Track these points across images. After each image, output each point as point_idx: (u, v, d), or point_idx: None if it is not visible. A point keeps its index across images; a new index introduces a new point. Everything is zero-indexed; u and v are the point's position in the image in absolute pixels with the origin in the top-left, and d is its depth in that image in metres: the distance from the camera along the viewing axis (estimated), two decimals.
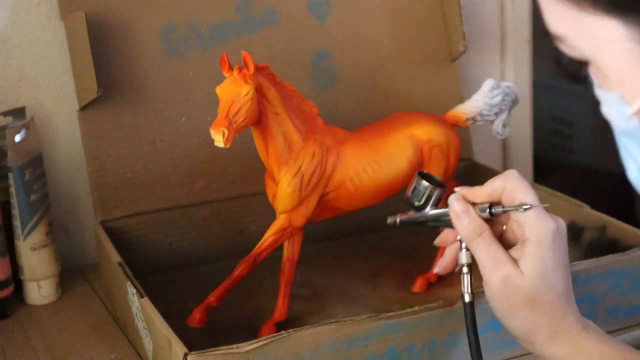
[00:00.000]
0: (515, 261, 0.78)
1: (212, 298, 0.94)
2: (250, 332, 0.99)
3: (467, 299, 0.82)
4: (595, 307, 0.98)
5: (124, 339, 1.02)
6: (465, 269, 0.83)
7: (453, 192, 0.83)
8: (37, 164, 1.11)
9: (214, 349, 0.81)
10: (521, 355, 0.96)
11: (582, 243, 1.12)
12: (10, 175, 1.08)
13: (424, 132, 1.04)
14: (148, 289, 0.95)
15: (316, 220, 1.02)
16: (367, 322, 0.86)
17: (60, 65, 1.20)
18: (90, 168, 1.14)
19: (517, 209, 0.79)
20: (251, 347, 0.81)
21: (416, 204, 0.87)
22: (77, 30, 1.11)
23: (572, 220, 1.13)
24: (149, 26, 1.17)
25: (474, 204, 0.82)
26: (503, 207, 0.80)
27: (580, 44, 0.59)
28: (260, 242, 0.97)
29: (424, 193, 0.86)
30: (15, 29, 1.17)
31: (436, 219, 0.86)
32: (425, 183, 0.86)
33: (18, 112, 1.15)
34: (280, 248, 1.01)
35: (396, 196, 1.07)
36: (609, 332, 0.98)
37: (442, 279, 1.12)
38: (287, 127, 0.96)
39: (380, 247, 1.24)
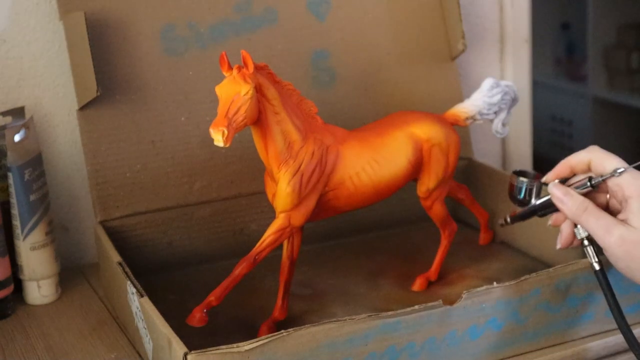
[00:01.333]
0: (624, 222, 0.86)
1: (212, 297, 0.94)
2: (250, 332, 0.99)
3: (596, 267, 0.90)
4: (595, 306, 0.98)
5: (124, 339, 1.02)
6: (585, 242, 0.91)
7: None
8: (36, 163, 1.11)
9: (213, 348, 0.81)
10: (521, 355, 0.96)
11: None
12: (10, 175, 1.08)
13: (424, 131, 1.04)
14: (148, 289, 0.95)
15: (316, 220, 1.02)
16: (366, 321, 0.86)
17: (59, 65, 1.20)
18: (89, 168, 1.14)
19: (613, 174, 0.87)
20: (251, 346, 0.81)
21: (520, 199, 0.94)
22: (77, 30, 1.11)
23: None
24: (149, 26, 1.17)
25: (568, 183, 0.90)
26: (601, 176, 0.88)
27: None
28: (259, 242, 0.97)
29: (524, 188, 0.94)
30: (14, 28, 1.17)
31: (542, 208, 0.94)
32: (523, 179, 0.94)
33: (17, 112, 1.15)
34: (280, 247, 1.01)
35: (396, 195, 1.07)
36: (609, 331, 0.99)
37: (442, 277, 1.12)
38: (286, 126, 0.96)
39: (379, 247, 1.24)
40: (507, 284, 0.92)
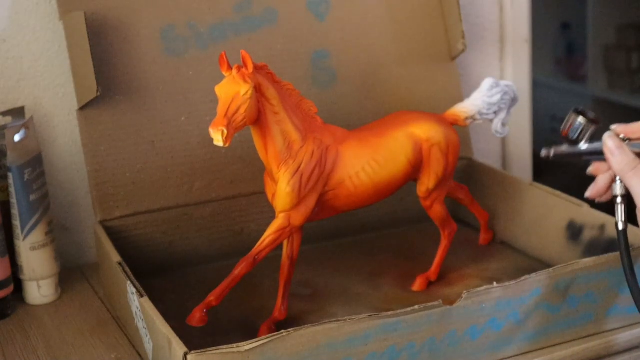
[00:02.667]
0: None
1: (211, 297, 0.94)
2: (250, 332, 0.99)
3: (620, 227, 0.89)
4: (595, 305, 0.98)
5: (124, 339, 1.02)
6: (619, 199, 0.90)
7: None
8: (36, 163, 1.11)
9: (213, 348, 0.81)
10: (521, 355, 0.96)
11: (581, 242, 1.12)
12: (10, 175, 1.08)
13: (423, 131, 1.04)
14: (148, 289, 0.95)
15: (316, 220, 1.02)
16: (366, 321, 0.86)
17: (59, 65, 1.20)
18: (89, 168, 1.14)
19: None
20: (251, 346, 0.81)
21: (573, 138, 0.92)
22: (77, 29, 1.11)
23: (571, 220, 1.13)
24: (149, 26, 1.17)
25: (628, 141, 0.89)
26: None
27: None
28: (259, 242, 0.97)
29: (579, 128, 0.92)
30: (14, 28, 1.17)
31: (590, 153, 0.92)
32: (581, 119, 0.92)
33: (17, 112, 1.15)
34: (280, 247, 1.01)
35: (396, 195, 1.07)
36: (609, 331, 0.99)
37: (442, 277, 1.12)
38: (286, 126, 0.96)
39: (380, 247, 1.24)
40: (507, 284, 0.92)
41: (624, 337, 0.99)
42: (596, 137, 0.93)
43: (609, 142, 0.89)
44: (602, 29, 3.02)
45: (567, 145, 0.94)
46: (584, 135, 0.93)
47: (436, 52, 1.32)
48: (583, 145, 0.93)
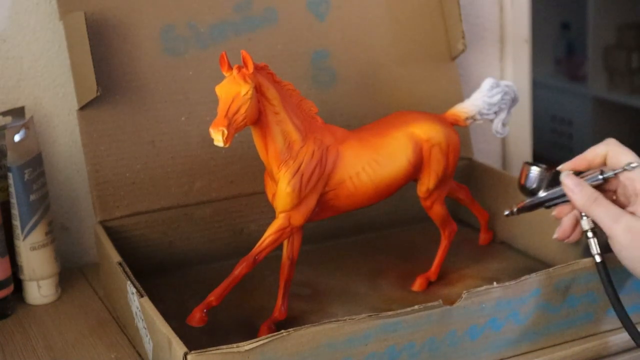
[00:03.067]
0: (632, 214, 0.88)
1: (211, 297, 0.94)
2: (250, 332, 0.99)
3: (597, 259, 0.91)
4: (595, 306, 0.98)
5: (124, 339, 1.02)
6: (589, 234, 0.92)
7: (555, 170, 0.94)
8: (36, 163, 1.11)
9: (213, 348, 0.81)
10: (521, 355, 0.96)
11: (581, 242, 1.12)
12: (10, 175, 1.08)
13: (424, 131, 1.04)
14: (148, 289, 0.95)
15: (316, 220, 1.02)
16: (366, 321, 0.86)
17: (59, 65, 1.20)
18: (89, 168, 1.14)
19: (626, 168, 0.89)
20: (251, 346, 0.81)
21: (531, 188, 0.96)
22: (77, 29, 1.11)
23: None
24: (149, 26, 1.17)
25: (582, 176, 0.92)
26: (613, 170, 0.90)
27: None
28: (259, 242, 0.97)
29: (537, 178, 0.96)
30: (14, 28, 1.17)
31: (552, 199, 0.95)
32: (535, 168, 0.96)
33: (17, 112, 1.15)
34: (280, 247, 1.01)
35: (396, 195, 1.07)
36: (609, 331, 0.99)
37: (442, 277, 1.12)
38: (286, 126, 0.96)
39: (379, 247, 1.24)
40: (507, 284, 0.92)
41: (624, 337, 0.99)
42: (552, 184, 0.96)
43: (567, 181, 0.92)
44: (602, 29, 3.02)
45: (528, 198, 0.97)
46: (541, 183, 0.96)
47: (436, 52, 1.32)
48: (542, 193, 0.96)
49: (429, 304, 0.89)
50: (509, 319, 0.94)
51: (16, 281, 1.11)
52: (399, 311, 0.88)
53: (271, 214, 1.00)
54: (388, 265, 1.17)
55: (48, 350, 1.00)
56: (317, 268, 1.17)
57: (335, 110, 1.24)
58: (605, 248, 0.92)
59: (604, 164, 0.94)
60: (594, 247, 0.92)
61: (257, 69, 0.94)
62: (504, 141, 1.49)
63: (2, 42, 1.17)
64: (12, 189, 1.09)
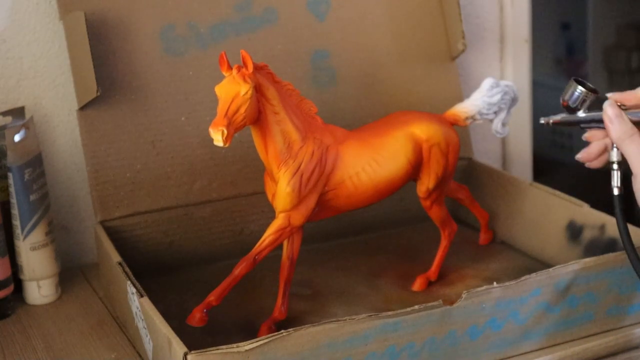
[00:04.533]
0: None
1: (211, 297, 0.94)
2: (250, 331, 0.99)
3: (616, 192, 0.91)
4: (595, 305, 0.98)
5: (124, 339, 1.02)
6: (615, 166, 0.92)
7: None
8: (36, 163, 1.11)
9: (213, 348, 0.81)
10: (521, 355, 0.96)
11: (581, 242, 1.12)
12: (10, 175, 1.08)
13: (423, 131, 1.04)
14: (148, 289, 0.95)
15: (316, 220, 1.02)
16: (366, 321, 0.86)
17: (59, 65, 1.20)
18: (89, 168, 1.14)
19: None
20: (251, 346, 0.81)
21: (572, 106, 0.95)
22: (77, 29, 1.11)
23: (571, 220, 1.13)
24: (149, 26, 1.17)
25: (626, 110, 0.91)
26: None
27: None
28: (259, 242, 0.97)
29: (580, 97, 0.94)
30: (14, 28, 1.17)
31: (589, 121, 0.94)
32: (581, 88, 0.94)
33: (17, 112, 1.15)
34: (280, 247, 1.01)
35: (396, 195, 1.07)
36: (609, 331, 0.99)
37: (442, 277, 1.12)
38: (286, 126, 0.96)
39: (379, 247, 1.24)
40: (507, 284, 0.92)
41: (624, 337, 0.99)
42: (593, 107, 0.95)
43: (609, 110, 0.91)
44: (602, 29, 3.02)
45: (566, 113, 0.96)
46: (582, 104, 0.95)
47: (436, 52, 1.32)
48: (581, 114, 0.95)
49: (429, 304, 0.89)
50: (509, 319, 0.94)
51: (16, 281, 1.11)
52: (399, 311, 0.88)
53: (271, 214, 1.00)
54: (388, 265, 1.17)
55: (48, 350, 1.00)
56: (317, 268, 1.17)
57: (335, 110, 1.24)
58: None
59: None
60: (616, 179, 0.92)
61: (257, 68, 0.94)
62: (504, 141, 1.49)
63: (2, 42, 1.17)
64: (12, 189, 1.09)
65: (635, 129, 0.91)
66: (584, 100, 0.94)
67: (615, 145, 0.92)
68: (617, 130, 0.91)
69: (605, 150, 0.95)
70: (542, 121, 0.99)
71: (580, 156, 0.96)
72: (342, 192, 1.00)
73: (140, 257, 1.14)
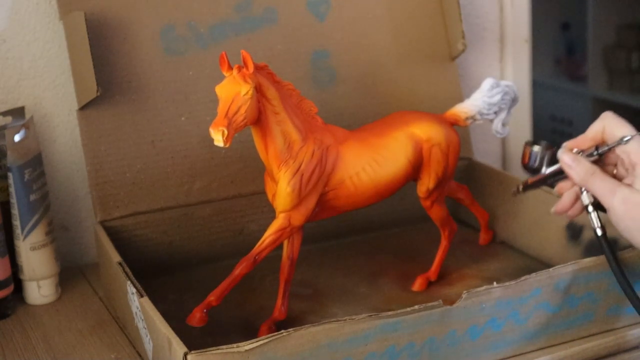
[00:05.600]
0: (629, 185, 0.89)
1: (212, 297, 0.94)
2: (250, 331, 0.99)
3: (599, 232, 0.93)
4: (595, 306, 0.98)
5: (124, 339, 1.02)
6: (590, 208, 0.93)
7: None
8: (36, 163, 1.11)
9: (213, 348, 0.81)
10: (521, 355, 0.96)
11: (581, 242, 1.12)
12: (10, 175, 1.08)
13: (424, 131, 1.04)
14: (148, 289, 0.95)
15: (316, 220, 1.02)
16: (366, 321, 0.86)
17: (59, 65, 1.20)
18: (89, 168, 1.14)
19: (620, 143, 0.90)
20: (251, 346, 0.81)
21: (534, 167, 0.97)
22: (77, 29, 1.11)
23: (571, 220, 1.13)
24: (149, 26, 1.17)
25: (581, 153, 0.92)
26: (607, 145, 0.90)
27: None
28: (259, 242, 0.97)
29: (538, 156, 0.97)
30: (14, 28, 1.17)
31: (553, 175, 0.96)
32: (536, 147, 0.97)
33: (17, 112, 1.15)
34: (280, 247, 1.01)
35: (396, 195, 1.07)
36: (609, 331, 0.98)
37: (442, 277, 1.12)
38: (286, 126, 0.96)
39: (380, 247, 1.24)
40: (507, 284, 0.92)
41: (624, 337, 0.99)
42: (554, 161, 0.97)
43: (564, 157, 0.93)
44: (602, 29, 3.02)
45: (532, 175, 0.98)
46: (542, 162, 0.97)
47: (436, 52, 1.32)
48: (545, 171, 0.97)
49: (429, 304, 0.89)
50: (509, 319, 0.94)
51: (16, 281, 1.11)
52: (399, 311, 0.87)
53: (271, 214, 1.00)
54: (388, 265, 1.17)
55: (48, 351, 1.00)
56: (317, 268, 1.17)
57: (335, 110, 1.24)
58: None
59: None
60: (595, 220, 0.93)
61: (257, 69, 0.94)
62: (504, 141, 1.49)
63: (2, 42, 1.17)
64: (12, 189, 1.09)
65: (595, 167, 0.92)
66: (542, 158, 0.96)
67: (582, 188, 0.93)
68: (578, 173, 0.92)
69: (578, 197, 0.95)
70: (512, 191, 1.01)
71: (554, 209, 0.97)
72: (342, 192, 1.00)
73: (140, 257, 1.14)
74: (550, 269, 0.95)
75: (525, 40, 1.48)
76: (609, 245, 0.92)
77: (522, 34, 1.47)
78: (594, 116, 0.93)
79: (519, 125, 1.48)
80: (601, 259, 0.97)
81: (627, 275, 0.92)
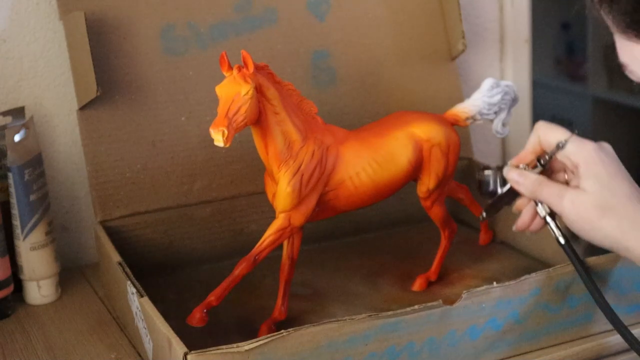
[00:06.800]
0: (575, 187, 0.89)
1: (212, 297, 0.94)
2: (250, 332, 0.99)
3: (562, 241, 0.93)
4: (595, 306, 0.98)
5: (124, 339, 1.02)
6: (548, 218, 0.93)
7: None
8: (36, 163, 1.11)
9: (213, 348, 0.81)
10: (521, 355, 0.96)
11: (581, 242, 1.12)
12: (10, 175, 1.08)
13: (424, 131, 1.04)
14: (148, 289, 0.95)
15: (316, 220, 1.02)
16: (366, 321, 0.86)
17: (59, 65, 1.20)
18: (89, 168, 1.14)
19: (558, 149, 0.90)
20: (251, 346, 0.81)
21: (489, 191, 0.97)
22: (77, 29, 1.11)
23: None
24: (149, 26, 1.17)
25: (526, 167, 0.93)
26: (546, 153, 0.91)
27: (636, 70, 0.68)
28: (259, 242, 0.97)
29: (490, 180, 0.97)
30: (14, 28, 1.17)
31: (507, 194, 0.96)
32: (488, 171, 0.98)
33: (17, 112, 1.15)
34: (280, 247, 1.01)
35: (396, 195, 1.07)
36: (609, 331, 0.98)
37: (442, 277, 1.12)
38: (286, 126, 0.96)
39: (379, 247, 1.24)
40: (507, 284, 0.92)
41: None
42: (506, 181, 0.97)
43: (509, 175, 0.94)
44: (602, 29, 3.02)
45: (490, 199, 0.98)
46: (495, 184, 0.97)
47: (436, 52, 1.32)
48: (501, 192, 0.97)
49: (429, 304, 0.89)
50: (509, 319, 0.94)
51: (16, 281, 1.11)
52: (399, 311, 0.88)
53: (271, 214, 1.00)
54: (388, 265, 1.17)
55: (48, 350, 1.00)
56: (317, 268, 1.17)
57: (335, 110, 1.24)
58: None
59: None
60: (554, 230, 0.93)
61: (257, 69, 0.94)
62: (504, 141, 1.49)
63: (2, 42, 1.17)
64: (12, 189, 1.09)
65: (542, 177, 0.92)
66: (495, 181, 0.97)
67: (534, 200, 0.93)
68: (526, 186, 0.93)
69: (536, 211, 0.95)
70: (479, 218, 1.02)
71: (516, 227, 0.97)
72: (342, 192, 1.00)
73: (140, 257, 1.14)
74: (550, 269, 0.95)
75: (525, 40, 1.48)
76: (574, 252, 0.92)
77: (522, 34, 1.47)
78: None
79: (519, 125, 1.48)
80: (601, 259, 0.97)
81: (594, 279, 0.92)
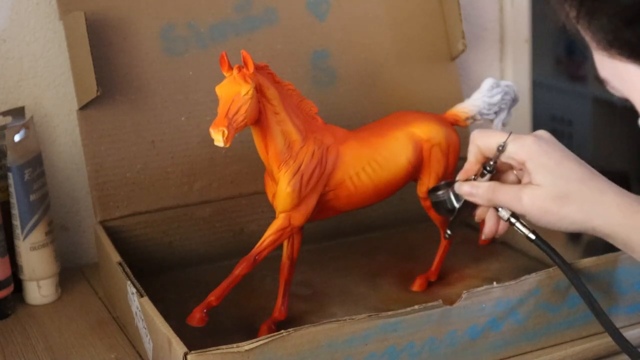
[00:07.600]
0: (528, 184, 0.89)
1: (212, 297, 0.94)
2: (250, 332, 0.99)
3: (532, 237, 0.92)
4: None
5: (124, 339, 1.02)
6: (512, 219, 0.93)
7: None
8: (36, 163, 1.11)
9: (213, 348, 0.81)
10: (521, 355, 0.96)
11: (581, 242, 1.12)
12: (10, 175, 1.08)
13: (424, 131, 1.04)
14: (148, 289, 0.95)
15: (316, 220, 1.02)
16: (366, 321, 0.86)
17: (59, 65, 1.20)
18: (89, 168, 1.14)
19: (499, 152, 0.90)
20: (251, 346, 0.81)
21: (448, 208, 0.97)
22: (77, 29, 1.11)
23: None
24: (149, 25, 1.17)
25: (474, 178, 0.93)
26: (490, 159, 0.92)
27: (618, 86, 0.70)
28: (259, 242, 0.97)
29: (444, 198, 0.96)
30: (14, 28, 1.17)
31: (465, 207, 0.95)
32: (439, 192, 0.97)
33: (17, 112, 1.15)
34: (280, 247, 1.01)
35: (396, 195, 1.07)
36: None
37: (442, 277, 1.12)
38: (286, 126, 0.96)
39: (379, 247, 1.24)
40: (507, 284, 0.92)
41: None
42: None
43: (462, 189, 0.94)
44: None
45: (450, 216, 0.98)
46: (451, 201, 0.96)
47: (436, 52, 1.32)
48: (459, 206, 0.96)
49: (429, 304, 0.89)
50: (508, 319, 0.94)
51: (16, 281, 1.11)
52: (399, 311, 0.88)
53: (271, 214, 1.00)
54: (388, 265, 1.18)
55: (48, 350, 1.00)
56: (317, 268, 1.17)
57: (335, 110, 1.24)
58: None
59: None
60: (521, 229, 0.93)
61: (258, 68, 0.94)
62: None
63: (2, 42, 1.17)
64: (12, 189, 1.09)
65: (493, 183, 0.92)
66: (449, 198, 0.96)
67: (494, 207, 0.93)
68: (481, 196, 0.92)
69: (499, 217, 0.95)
70: (446, 237, 1.01)
71: (484, 236, 0.97)
72: (342, 192, 1.00)
73: (140, 257, 1.14)
74: (550, 269, 0.95)
75: (525, 40, 1.48)
76: (546, 244, 0.92)
77: (522, 34, 1.47)
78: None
79: (519, 125, 1.48)
80: (601, 259, 0.97)
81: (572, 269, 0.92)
